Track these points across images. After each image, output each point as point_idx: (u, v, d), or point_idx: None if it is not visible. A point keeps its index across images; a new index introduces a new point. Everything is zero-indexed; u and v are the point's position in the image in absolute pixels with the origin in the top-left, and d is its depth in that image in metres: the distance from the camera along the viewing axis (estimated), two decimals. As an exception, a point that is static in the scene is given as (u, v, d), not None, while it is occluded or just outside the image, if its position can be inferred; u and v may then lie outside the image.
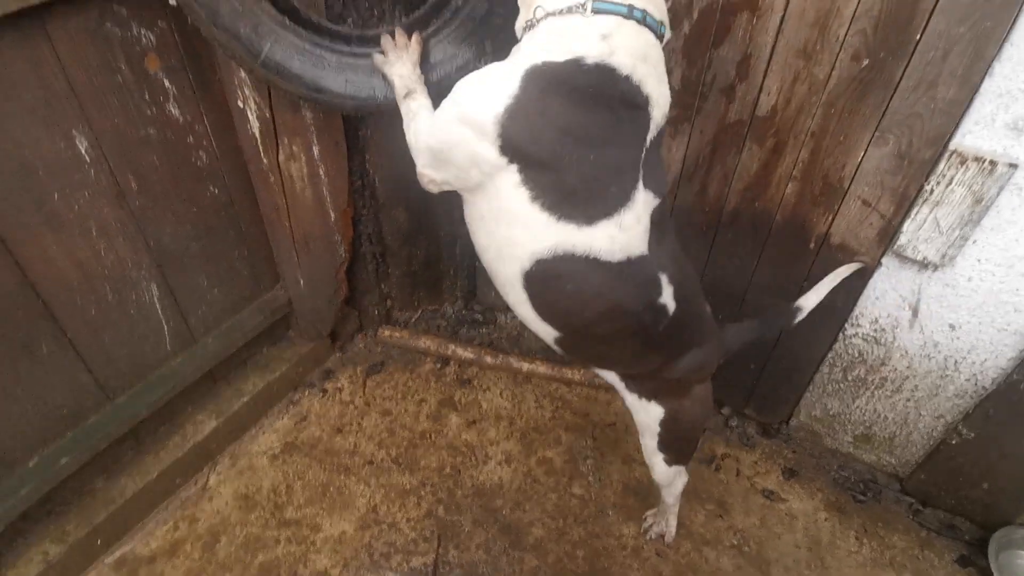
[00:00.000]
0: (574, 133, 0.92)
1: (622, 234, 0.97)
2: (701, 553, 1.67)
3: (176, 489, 1.80)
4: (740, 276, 1.68)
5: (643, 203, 0.99)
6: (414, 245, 2.15)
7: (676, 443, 1.39)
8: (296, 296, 1.98)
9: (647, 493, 1.80)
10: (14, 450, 1.47)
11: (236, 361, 1.99)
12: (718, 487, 1.83)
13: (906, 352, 1.57)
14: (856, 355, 1.66)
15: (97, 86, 1.31)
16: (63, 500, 1.63)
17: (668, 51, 1.41)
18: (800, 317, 1.42)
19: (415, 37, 1.27)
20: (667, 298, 1.10)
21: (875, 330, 1.58)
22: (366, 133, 1.78)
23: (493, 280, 1.14)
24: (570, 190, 0.94)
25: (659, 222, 1.05)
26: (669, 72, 1.43)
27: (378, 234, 2.05)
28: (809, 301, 1.43)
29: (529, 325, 1.15)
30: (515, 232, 0.99)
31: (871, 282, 1.51)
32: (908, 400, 1.65)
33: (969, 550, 1.68)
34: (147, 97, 1.41)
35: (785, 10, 1.26)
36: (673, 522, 1.67)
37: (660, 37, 1.00)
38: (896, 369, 1.61)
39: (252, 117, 1.55)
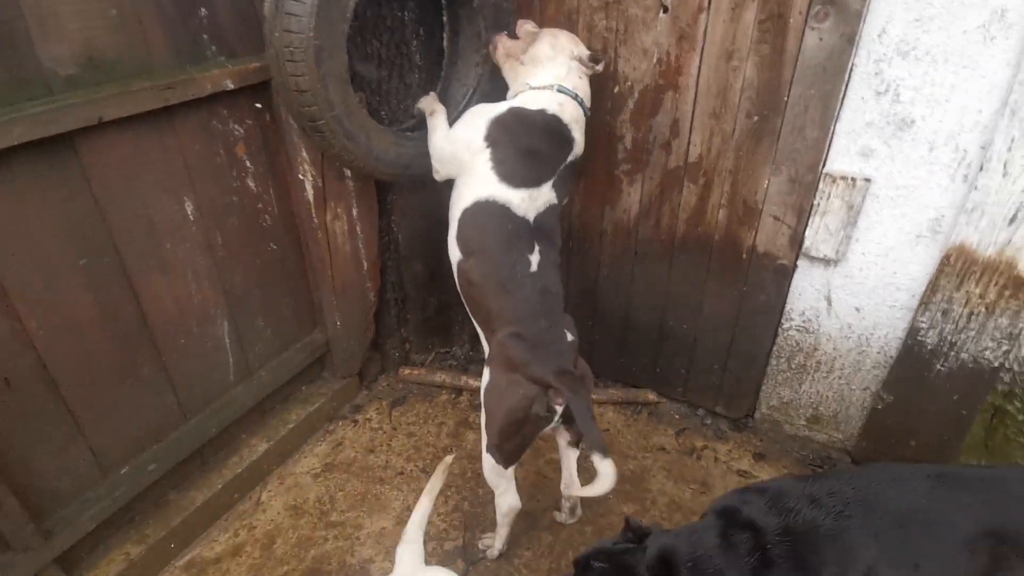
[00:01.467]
0: (525, 140, 1.62)
1: (529, 200, 1.61)
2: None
3: (234, 503, 2.07)
4: (695, 289, 2.12)
5: (547, 192, 1.65)
6: (429, 293, 2.57)
7: (488, 420, 1.57)
8: (333, 337, 2.36)
9: (639, 480, 2.12)
10: (111, 458, 1.77)
11: (280, 396, 2.33)
12: (699, 471, 2.16)
13: (830, 336, 1.99)
14: (795, 345, 2.07)
15: (202, 165, 1.78)
16: (142, 509, 1.90)
17: (620, 121, 1.94)
18: (595, 458, 1.43)
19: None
20: (533, 259, 1.60)
21: (804, 321, 2.01)
22: (392, 199, 2.26)
23: (449, 221, 1.71)
24: (513, 166, 1.61)
25: (551, 214, 1.67)
26: (621, 137, 1.96)
27: (399, 283, 2.47)
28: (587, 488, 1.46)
29: (449, 254, 1.71)
30: (475, 184, 1.64)
31: (793, 281, 1.96)
32: (839, 378, 2.04)
33: (911, 504, 2.00)
34: (234, 173, 1.88)
35: (696, 87, 1.80)
36: (499, 542, 1.82)
37: (585, 115, 1.75)
38: (826, 352, 2.02)
39: (308, 186, 2.02)
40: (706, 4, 1.67)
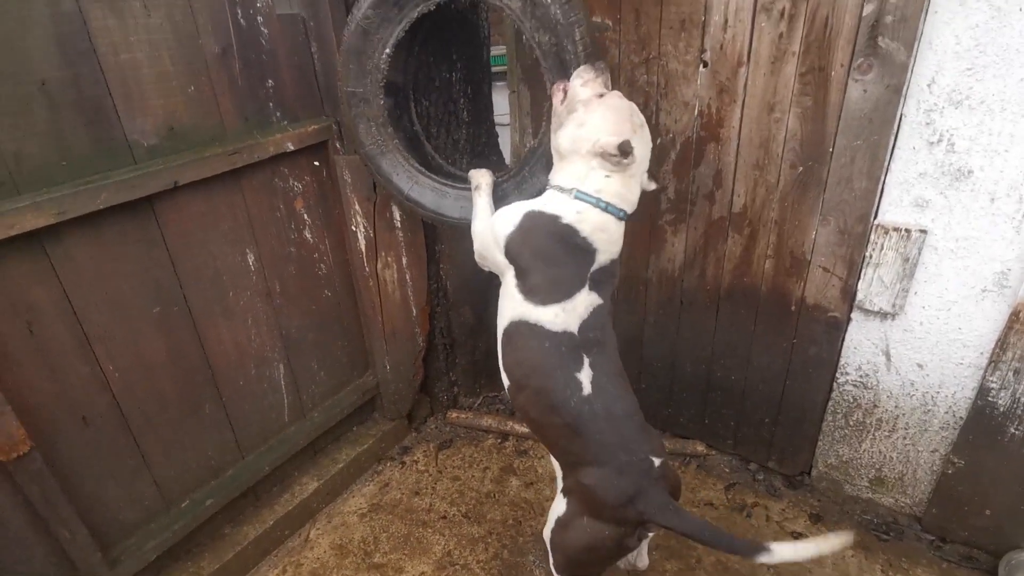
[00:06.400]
0: (543, 255, 1.44)
1: (563, 314, 1.41)
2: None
3: (284, 539, 2.15)
4: (743, 340, 2.06)
5: (583, 300, 1.42)
6: (477, 338, 2.62)
7: (556, 548, 1.51)
8: (383, 380, 2.44)
9: (684, 539, 2.04)
10: (173, 491, 1.89)
11: (332, 436, 2.42)
12: (750, 531, 2.05)
13: (891, 393, 1.88)
14: (852, 400, 1.96)
15: (264, 219, 1.92)
16: (199, 541, 2.01)
17: (663, 171, 1.95)
18: (763, 557, 1.30)
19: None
20: (584, 376, 1.39)
21: (861, 376, 1.91)
22: (441, 248, 2.34)
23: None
24: (535, 285, 1.43)
25: (598, 318, 1.44)
26: (665, 187, 1.96)
27: (448, 329, 2.54)
28: (782, 550, 1.32)
29: (502, 377, 1.53)
30: (507, 303, 1.48)
31: (847, 334, 1.87)
32: (904, 438, 1.91)
33: (989, 580, 1.83)
34: (292, 226, 2.02)
35: (739, 139, 1.79)
36: None
37: (620, 218, 1.46)
38: (887, 409, 1.90)
39: (361, 236, 2.13)
40: (746, 59, 1.68)
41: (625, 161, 1.39)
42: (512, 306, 1.46)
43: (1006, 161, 1.48)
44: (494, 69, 2.25)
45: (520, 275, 1.45)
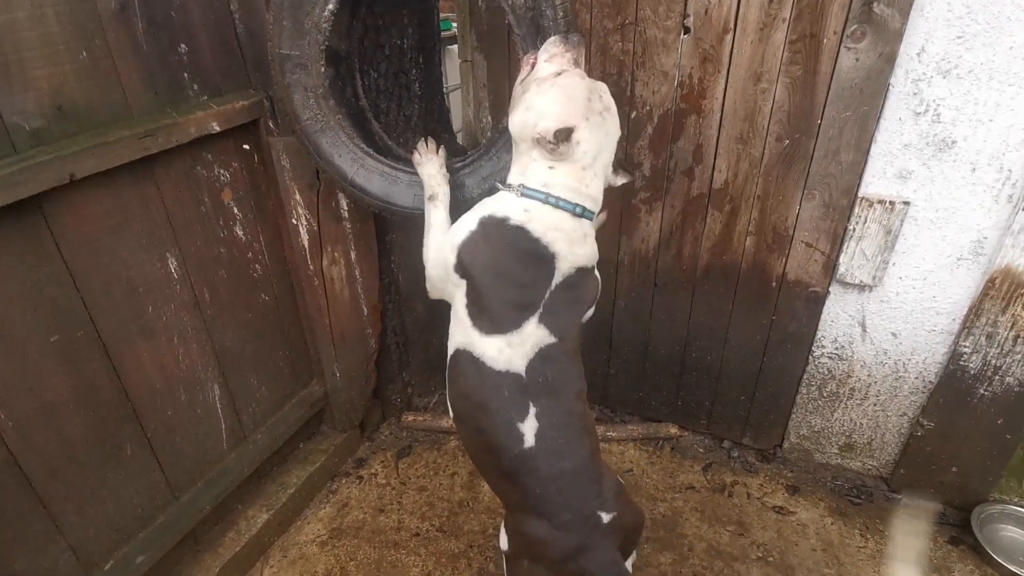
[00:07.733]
0: (493, 268, 1.24)
1: (508, 349, 1.21)
2: (733, 568, 1.86)
3: (235, 586, 1.87)
4: (720, 319, 2.01)
5: (532, 334, 1.22)
6: (430, 333, 2.41)
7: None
8: (332, 389, 2.17)
9: (672, 525, 2.00)
10: (93, 555, 1.55)
11: (278, 457, 2.13)
12: (734, 510, 2.04)
13: (864, 362, 1.91)
14: (826, 372, 1.98)
15: (187, 216, 1.59)
16: (132, 606, 1.68)
17: (638, 147, 1.83)
18: None
19: (441, 148, 1.54)
20: (527, 428, 1.21)
21: (836, 347, 1.92)
22: (392, 238, 2.10)
23: None
24: (484, 307, 1.23)
25: (553, 359, 1.23)
26: (640, 164, 1.84)
27: (401, 326, 2.30)
28: None
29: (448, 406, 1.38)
30: (456, 326, 1.30)
31: (825, 308, 1.87)
32: (875, 405, 1.96)
33: (957, 531, 1.93)
34: (221, 222, 1.70)
35: (722, 111, 1.69)
36: None
37: (577, 214, 1.25)
38: (860, 379, 1.94)
39: (303, 231, 1.84)
40: (732, 25, 1.58)
41: (560, 150, 1.19)
42: (460, 330, 1.28)
43: (989, 131, 1.49)
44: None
45: (470, 293, 1.25)
